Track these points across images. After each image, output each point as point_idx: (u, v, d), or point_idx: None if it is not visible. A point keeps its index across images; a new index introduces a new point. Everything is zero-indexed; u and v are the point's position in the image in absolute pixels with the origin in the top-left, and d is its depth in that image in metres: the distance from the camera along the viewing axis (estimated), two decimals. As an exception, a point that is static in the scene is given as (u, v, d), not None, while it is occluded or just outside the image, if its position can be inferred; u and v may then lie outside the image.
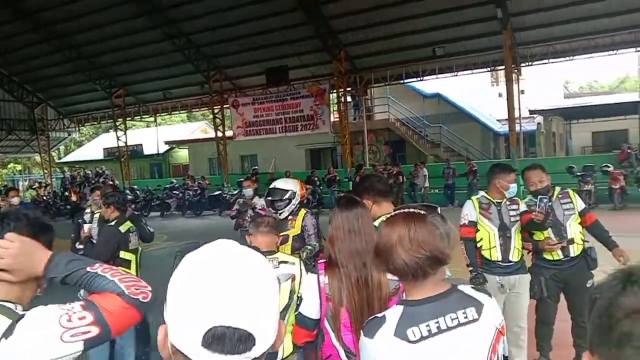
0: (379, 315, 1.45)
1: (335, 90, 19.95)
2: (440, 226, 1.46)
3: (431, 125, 21.89)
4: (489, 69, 19.34)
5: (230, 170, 23.54)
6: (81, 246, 5.31)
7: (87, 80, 23.82)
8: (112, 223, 4.46)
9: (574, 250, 4.08)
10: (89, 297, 1.35)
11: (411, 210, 1.51)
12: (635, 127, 22.88)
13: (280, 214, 4.35)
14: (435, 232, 1.43)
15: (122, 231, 4.41)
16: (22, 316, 1.28)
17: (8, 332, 1.23)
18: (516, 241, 3.98)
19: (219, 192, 20.43)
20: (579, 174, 14.40)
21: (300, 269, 2.78)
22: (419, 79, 19.87)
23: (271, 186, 4.62)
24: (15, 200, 7.71)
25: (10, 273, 1.35)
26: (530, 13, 16.16)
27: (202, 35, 20.00)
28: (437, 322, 1.38)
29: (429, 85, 21.95)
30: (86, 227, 5.29)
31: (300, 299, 2.26)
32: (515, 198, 4.07)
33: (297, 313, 2.26)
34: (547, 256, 4.08)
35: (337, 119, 20.58)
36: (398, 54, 18.95)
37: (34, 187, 28.99)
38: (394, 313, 1.42)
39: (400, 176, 16.77)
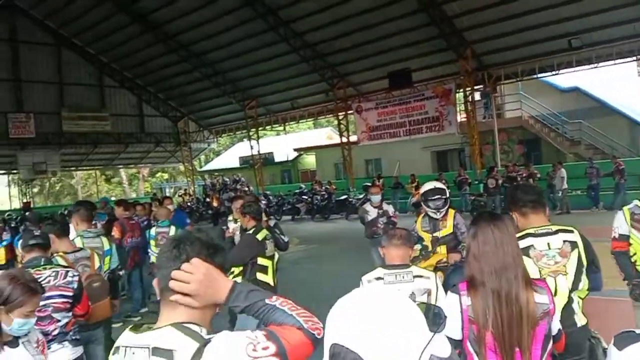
0: (637, 331, 1.45)
1: (461, 90, 19.35)
2: None
3: (570, 121, 20.27)
4: (635, 58, 17.49)
5: (355, 174, 23.85)
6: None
7: (223, 94, 25.69)
8: (250, 231, 4.73)
9: None
10: (269, 327, 1.38)
11: None
12: None
13: (439, 213, 4.54)
14: None
15: (259, 239, 4.64)
16: (209, 341, 1.31)
17: (197, 356, 1.27)
18: None
19: (345, 196, 20.81)
20: None
21: (437, 284, 2.73)
22: (554, 72, 18.53)
23: (429, 187, 4.78)
24: (171, 207, 8.68)
25: (194, 298, 1.38)
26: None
27: (325, 45, 20.57)
28: None
29: (566, 78, 20.36)
30: (232, 226, 5.69)
31: None
32: None
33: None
34: None
35: (464, 119, 19.91)
36: (529, 48, 17.89)
37: (180, 195, 31.83)
38: None
39: (531, 179, 15.59)
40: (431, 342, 0.94)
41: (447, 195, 4.75)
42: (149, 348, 1.35)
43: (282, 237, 5.34)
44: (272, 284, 4.58)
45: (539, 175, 16.11)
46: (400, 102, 20.82)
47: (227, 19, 20.48)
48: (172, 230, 6.74)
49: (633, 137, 20.05)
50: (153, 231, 6.92)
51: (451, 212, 4.71)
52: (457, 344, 2.09)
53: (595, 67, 17.55)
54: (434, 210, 4.59)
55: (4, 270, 3.21)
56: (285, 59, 21.96)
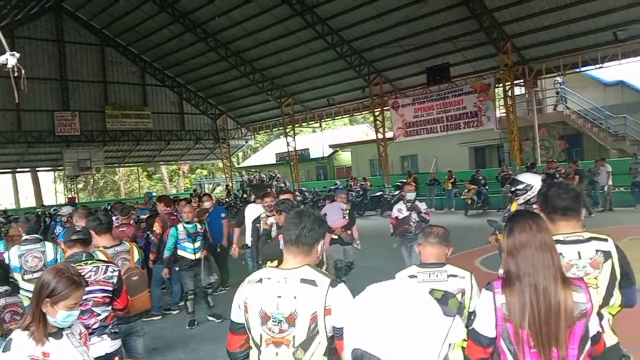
0: None
1: (501, 85, 18.96)
2: None
3: (614, 116, 19.59)
4: (685, 48, 16.76)
5: (390, 171, 23.72)
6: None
7: (260, 92, 25.98)
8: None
9: None
10: None
11: None
12: None
13: (519, 199, 4.90)
14: None
15: None
16: (334, 280, 2.16)
17: (331, 287, 2.13)
18: None
19: (380, 192, 20.73)
20: None
21: (471, 283, 2.69)
22: (598, 66, 17.93)
23: (513, 178, 5.52)
24: (207, 204, 8.81)
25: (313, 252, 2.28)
26: None
27: (362, 41, 20.50)
28: None
29: (611, 72, 19.66)
30: (269, 220, 5.79)
31: (473, 314, 2.20)
32: None
33: (470, 329, 2.19)
34: None
35: (504, 114, 19.51)
36: (572, 41, 17.39)
37: (224, 190, 32.33)
38: None
39: (577, 175, 14.80)
40: (449, 333, 0.98)
41: (529, 187, 4.94)
42: (297, 278, 2.13)
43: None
44: None
45: (586, 174, 15.46)
46: (438, 98, 20.57)
47: (265, 16, 20.69)
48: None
49: (681, 132, 19.24)
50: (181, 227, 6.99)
51: (514, 202, 5.20)
52: (490, 342, 2.09)
53: (642, 60, 16.92)
54: (516, 197, 4.98)
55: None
56: (321, 55, 22.03)
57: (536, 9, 16.57)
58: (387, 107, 22.59)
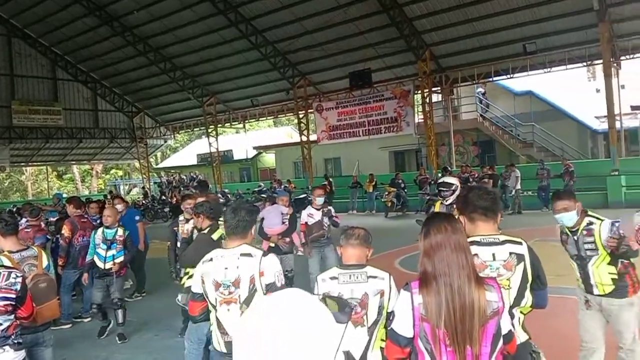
0: None
1: (419, 91, 19.67)
2: None
3: (523, 124, 20.92)
4: (584, 63, 18.21)
5: (314, 173, 23.89)
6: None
7: (181, 90, 25.26)
8: (205, 231, 4.56)
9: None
10: None
11: None
12: None
13: (447, 200, 5.51)
14: None
15: (215, 239, 4.41)
16: (265, 253, 3.00)
17: (262, 257, 2.96)
18: (596, 276, 3.57)
19: (304, 195, 20.79)
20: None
21: (390, 284, 2.71)
22: (509, 76, 19.07)
23: (440, 181, 6.06)
24: (120, 207, 8.28)
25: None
26: (630, 2, 15.02)
27: (286, 43, 20.52)
28: None
29: (521, 82, 20.99)
30: (186, 226, 5.52)
31: (392, 314, 2.22)
32: (592, 227, 3.51)
33: (389, 329, 2.22)
34: None
35: (422, 120, 20.25)
36: (486, 52, 18.36)
37: (140, 191, 31.00)
38: None
39: (491, 179, 15.51)
40: (342, 341, 0.96)
41: (456, 188, 5.55)
42: (237, 254, 2.96)
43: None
44: None
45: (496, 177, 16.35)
46: (360, 102, 21.03)
47: (187, 13, 20.17)
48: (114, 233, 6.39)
49: (581, 140, 20.88)
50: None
51: (438, 204, 5.69)
52: (408, 342, 2.11)
53: (548, 72, 18.20)
54: (442, 198, 5.60)
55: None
56: (245, 55, 21.79)
57: (453, 19, 17.35)
58: (312, 110, 22.75)
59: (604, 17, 14.96)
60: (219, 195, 20.36)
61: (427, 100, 19.27)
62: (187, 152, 39.24)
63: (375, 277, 2.75)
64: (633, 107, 20.67)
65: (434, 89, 19.92)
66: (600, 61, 16.20)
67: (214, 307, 2.98)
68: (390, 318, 2.23)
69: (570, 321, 5.71)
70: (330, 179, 20.85)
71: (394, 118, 20.11)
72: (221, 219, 4.06)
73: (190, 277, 4.40)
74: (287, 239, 6.70)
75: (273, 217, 6.68)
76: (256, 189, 22.95)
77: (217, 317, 3.00)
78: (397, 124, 20.09)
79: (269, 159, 33.13)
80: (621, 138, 17.48)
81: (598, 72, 20.89)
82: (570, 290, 6.97)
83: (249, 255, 2.93)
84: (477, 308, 2.01)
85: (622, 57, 17.08)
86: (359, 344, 2.65)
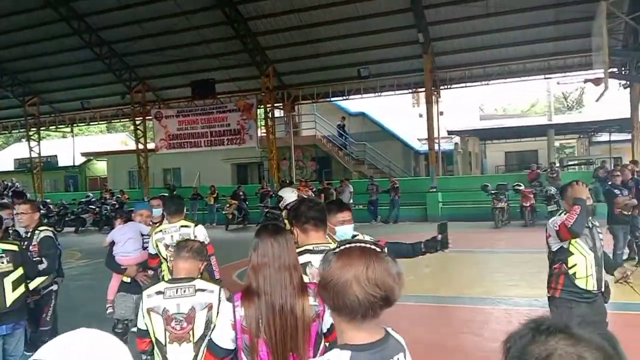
0: None
1: (262, 106, 19.95)
2: (394, 266, 1.37)
3: (356, 142, 22.39)
4: (410, 90, 20.13)
5: (152, 184, 22.80)
6: None
7: (-3, 86, 22.35)
8: None
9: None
10: None
11: (367, 246, 1.40)
12: (544, 148, 24.57)
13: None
14: (391, 271, 1.34)
15: None
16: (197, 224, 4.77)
17: (195, 227, 4.73)
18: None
19: (140, 206, 19.69)
20: (493, 192, 15.20)
21: (219, 297, 2.69)
22: (344, 97, 20.31)
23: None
24: None
25: None
26: (450, 39, 17.04)
27: (124, 45, 19.38)
28: None
29: (355, 104, 22.48)
30: None
31: (214, 325, 2.21)
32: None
33: (208, 339, 2.22)
34: (581, 284, 3.57)
35: (265, 134, 20.55)
36: (325, 73, 19.30)
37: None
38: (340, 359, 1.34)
39: (323, 194, 16.29)
40: None
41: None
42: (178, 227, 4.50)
43: (40, 258, 4.59)
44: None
45: (332, 191, 17.29)
46: (203, 112, 20.64)
47: (8, 2, 17.94)
48: None
49: (406, 159, 22.98)
50: None
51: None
52: (225, 353, 2.11)
53: (378, 96, 19.74)
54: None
55: None
56: (76, 54, 20.06)
57: (296, 39, 17.98)
58: (150, 117, 21.72)
59: (427, 49, 16.72)
60: (40, 206, 18.36)
61: (270, 115, 19.64)
62: (3, 157, 34.74)
63: (204, 290, 2.71)
64: (449, 132, 23.40)
65: (276, 104, 20.37)
66: (424, 89, 18.02)
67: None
68: (212, 329, 2.22)
69: (393, 326, 6.19)
70: (173, 189, 20.01)
71: (237, 130, 20.10)
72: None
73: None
74: (150, 272, 4.95)
75: (129, 242, 5.05)
76: (84, 200, 21.13)
77: None
78: (240, 136, 20.10)
79: (100, 167, 30.82)
80: (439, 159, 19.56)
81: (421, 99, 23.21)
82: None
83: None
84: (302, 323, 2.09)
85: (442, 87, 19.19)
86: None
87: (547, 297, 3.77)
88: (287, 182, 18.23)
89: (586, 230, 3.52)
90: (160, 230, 4.63)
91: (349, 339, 1.36)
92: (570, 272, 3.53)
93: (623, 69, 16.07)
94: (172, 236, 4.49)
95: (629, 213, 7.88)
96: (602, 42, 11.53)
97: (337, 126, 22.34)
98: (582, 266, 3.54)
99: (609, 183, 8.79)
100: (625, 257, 7.96)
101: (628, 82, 16.45)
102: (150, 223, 5.31)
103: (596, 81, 13.12)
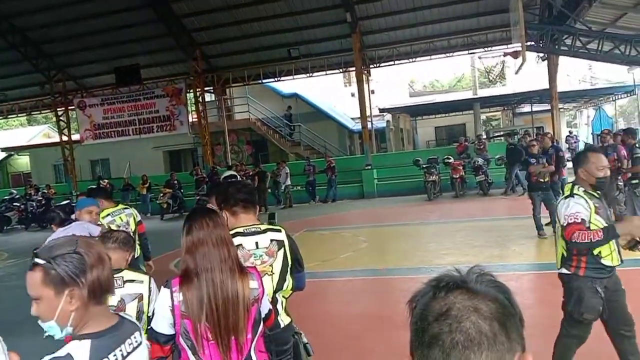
0: (62, 354, 1.37)
1: (192, 90, 19.47)
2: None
3: (291, 124, 22.33)
4: (341, 70, 20.27)
5: (79, 177, 21.87)
6: None
7: None
8: None
9: None
10: None
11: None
12: (471, 121, 25.55)
13: None
14: None
15: None
16: None
17: None
18: None
19: (68, 201, 18.78)
20: (424, 166, 15.67)
21: (150, 287, 2.64)
22: (276, 79, 20.15)
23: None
24: None
25: None
26: (376, 17, 17.25)
27: (40, 32, 18.32)
28: (121, 350, 1.47)
29: (287, 85, 22.37)
30: None
31: (153, 313, 2.16)
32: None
33: (148, 328, 2.17)
34: (606, 261, 3.28)
35: (196, 119, 20.10)
36: (255, 54, 19.06)
37: None
38: (81, 349, 1.39)
39: (257, 177, 16.29)
40: None
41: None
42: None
43: None
44: None
45: (268, 174, 17.21)
46: (129, 100, 19.87)
47: None
48: None
49: (340, 139, 23.21)
50: None
51: None
52: (167, 339, 2.09)
53: (310, 76, 19.72)
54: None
55: None
56: (-14, 43, 18.74)
57: (222, 20, 17.61)
58: (73, 107, 20.69)
59: (355, 29, 16.85)
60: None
61: (200, 99, 19.21)
62: None
63: (133, 280, 2.65)
64: (381, 110, 23.82)
65: (206, 88, 19.93)
66: (354, 68, 18.19)
67: None
68: (151, 318, 2.19)
69: (336, 302, 6.34)
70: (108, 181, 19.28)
71: (167, 117, 19.52)
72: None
73: None
74: None
75: None
76: (7, 197, 19.96)
77: None
78: (171, 122, 19.55)
79: (22, 162, 29.22)
80: (372, 136, 19.90)
81: (353, 78, 23.43)
82: (337, 273, 7.73)
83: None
84: (242, 298, 2.07)
85: (371, 65, 19.45)
86: None
87: (561, 274, 3.40)
88: (228, 166, 17.96)
89: (599, 203, 3.28)
90: (109, 214, 4.72)
91: (86, 329, 1.47)
92: (595, 252, 3.24)
93: (540, 42, 16.88)
94: (120, 217, 4.78)
95: (546, 179, 8.40)
96: (519, 16, 12.07)
97: (284, 116, 22.13)
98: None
99: (524, 153, 9.29)
100: (545, 221, 8.45)
101: (545, 55, 17.33)
102: (99, 222, 4.28)
103: (515, 54, 13.75)
